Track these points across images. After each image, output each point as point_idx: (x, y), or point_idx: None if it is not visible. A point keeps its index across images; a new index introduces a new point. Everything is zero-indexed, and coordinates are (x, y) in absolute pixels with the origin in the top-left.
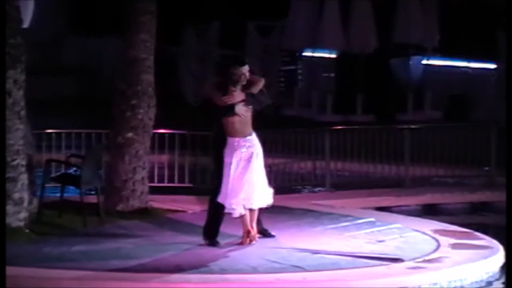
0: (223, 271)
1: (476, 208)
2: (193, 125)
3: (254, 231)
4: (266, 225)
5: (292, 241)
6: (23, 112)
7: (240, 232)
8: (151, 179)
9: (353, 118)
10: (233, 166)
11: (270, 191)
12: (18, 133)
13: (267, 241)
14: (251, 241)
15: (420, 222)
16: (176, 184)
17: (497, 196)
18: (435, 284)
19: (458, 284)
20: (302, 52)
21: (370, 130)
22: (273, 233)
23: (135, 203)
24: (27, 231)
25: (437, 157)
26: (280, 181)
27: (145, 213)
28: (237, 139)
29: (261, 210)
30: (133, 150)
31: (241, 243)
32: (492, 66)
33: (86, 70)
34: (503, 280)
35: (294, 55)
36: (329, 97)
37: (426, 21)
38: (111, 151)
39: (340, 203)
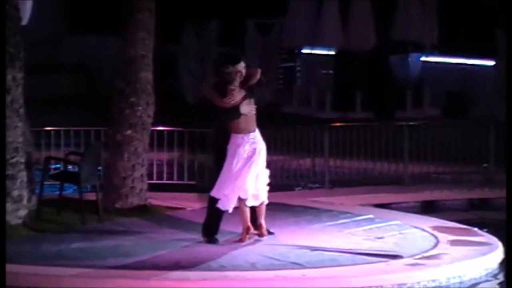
0: (222, 268)
1: (475, 205)
2: (192, 123)
3: (264, 226)
4: (265, 223)
5: (291, 238)
6: (22, 110)
7: (239, 229)
8: (150, 177)
9: (352, 115)
10: (234, 162)
11: (266, 188)
12: (17, 131)
13: (266, 238)
14: (262, 235)
15: (419, 219)
16: (175, 182)
17: (496, 193)
18: (434, 280)
19: (457, 280)
20: (301, 49)
21: (369, 127)
22: (272, 230)
23: (134, 201)
24: (26, 228)
25: (436, 154)
26: (279, 178)
27: (144, 211)
28: (241, 135)
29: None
30: (132, 148)
31: (240, 240)
32: (491, 63)
33: (85, 68)
34: (502, 276)
35: (293, 53)
36: (328, 94)
37: (425, 19)
38: (110, 149)
39: (339, 200)
